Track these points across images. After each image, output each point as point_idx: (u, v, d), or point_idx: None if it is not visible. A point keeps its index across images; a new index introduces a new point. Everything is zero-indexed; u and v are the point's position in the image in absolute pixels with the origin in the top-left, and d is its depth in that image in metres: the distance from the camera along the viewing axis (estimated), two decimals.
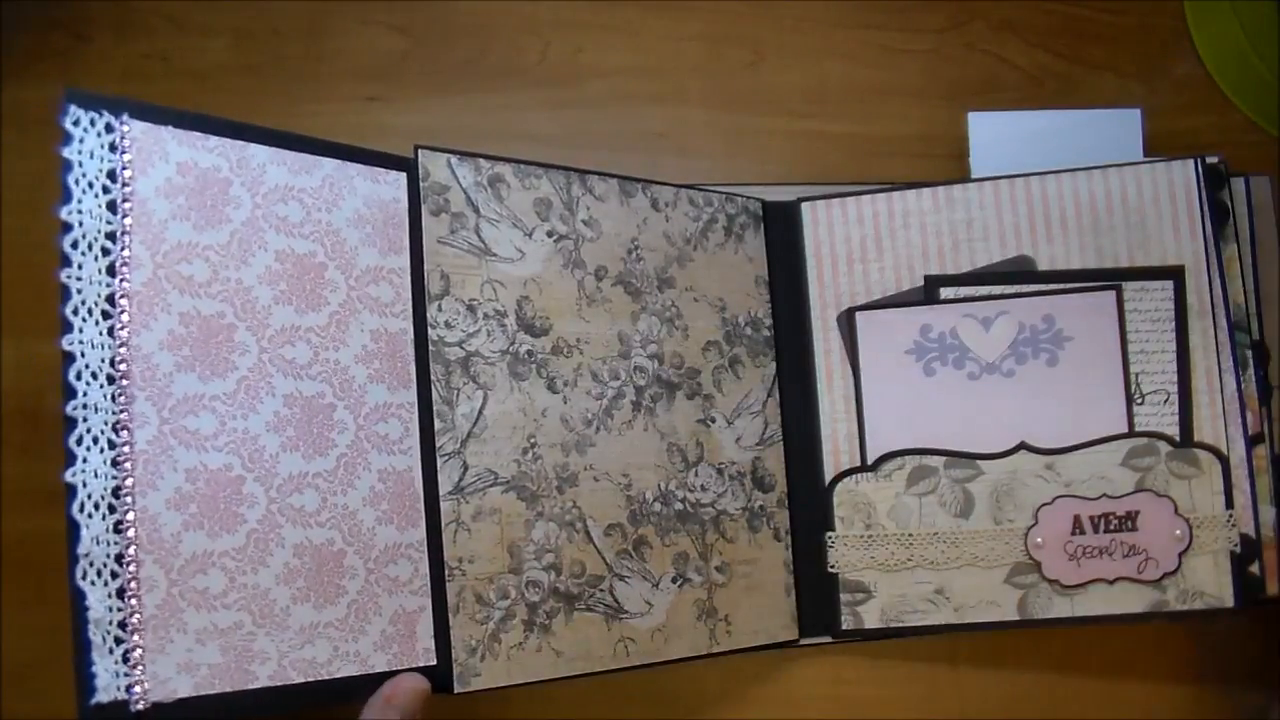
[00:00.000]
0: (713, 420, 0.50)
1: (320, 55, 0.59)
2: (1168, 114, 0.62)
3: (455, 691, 0.42)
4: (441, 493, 0.43)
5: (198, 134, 0.40)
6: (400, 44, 0.60)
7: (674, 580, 0.48)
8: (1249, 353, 0.53)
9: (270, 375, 0.40)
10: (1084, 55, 0.63)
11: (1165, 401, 0.52)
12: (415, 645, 0.42)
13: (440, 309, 0.44)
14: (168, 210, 0.39)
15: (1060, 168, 0.53)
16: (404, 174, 0.45)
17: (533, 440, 0.45)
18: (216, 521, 0.38)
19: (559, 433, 0.46)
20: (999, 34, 0.62)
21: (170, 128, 0.40)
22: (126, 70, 0.58)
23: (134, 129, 0.39)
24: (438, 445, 0.43)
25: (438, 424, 0.43)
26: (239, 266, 0.40)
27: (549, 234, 0.47)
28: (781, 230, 0.54)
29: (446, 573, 0.42)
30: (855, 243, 0.54)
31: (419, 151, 0.45)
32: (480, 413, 0.44)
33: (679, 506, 0.49)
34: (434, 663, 0.42)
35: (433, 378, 0.43)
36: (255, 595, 0.38)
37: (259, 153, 0.42)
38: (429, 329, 0.44)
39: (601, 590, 0.46)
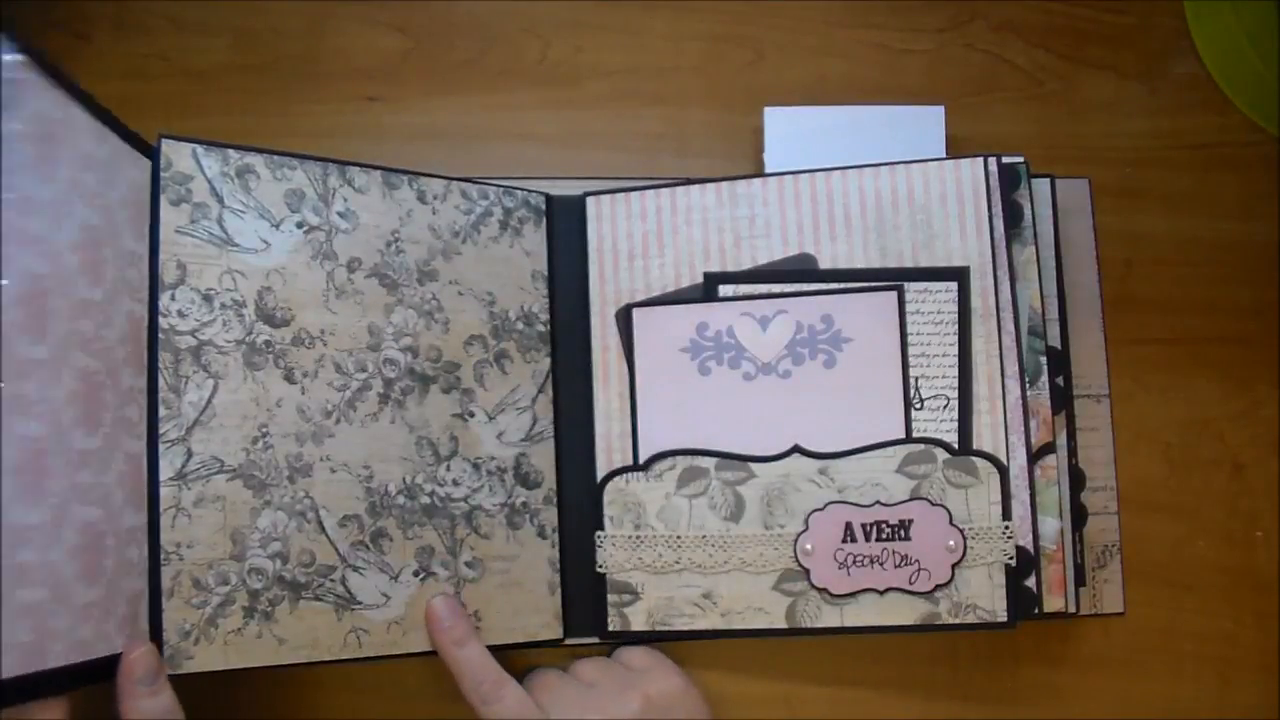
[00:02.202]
0: (471, 415, 0.50)
1: (320, 55, 0.59)
2: (1168, 114, 0.61)
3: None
4: (163, 478, 0.43)
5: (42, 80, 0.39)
6: (400, 44, 0.60)
7: (416, 574, 0.48)
8: (1042, 359, 0.51)
9: (72, 347, 0.39)
10: (1084, 55, 0.61)
11: (945, 407, 0.50)
12: (139, 627, 0.43)
13: (174, 298, 0.44)
14: None
15: (847, 164, 0.51)
16: (150, 162, 0.45)
17: (264, 430, 0.45)
18: (31, 493, 0.37)
19: (294, 423, 0.46)
20: (999, 34, 0.61)
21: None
22: (126, 70, 0.59)
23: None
24: (161, 432, 0.43)
25: (162, 411, 0.43)
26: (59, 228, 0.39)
27: (299, 225, 0.47)
28: (568, 225, 0.54)
29: (163, 556, 0.43)
30: (637, 238, 0.53)
31: (162, 141, 0.45)
32: (209, 401, 0.45)
33: (425, 500, 0.48)
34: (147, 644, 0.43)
35: (160, 365, 0.44)
36: (52, 571, 0.38)
37: (79, 116, 0.40)
38: (160, 317, 0.44)
39: (332, 580, 0.46)
